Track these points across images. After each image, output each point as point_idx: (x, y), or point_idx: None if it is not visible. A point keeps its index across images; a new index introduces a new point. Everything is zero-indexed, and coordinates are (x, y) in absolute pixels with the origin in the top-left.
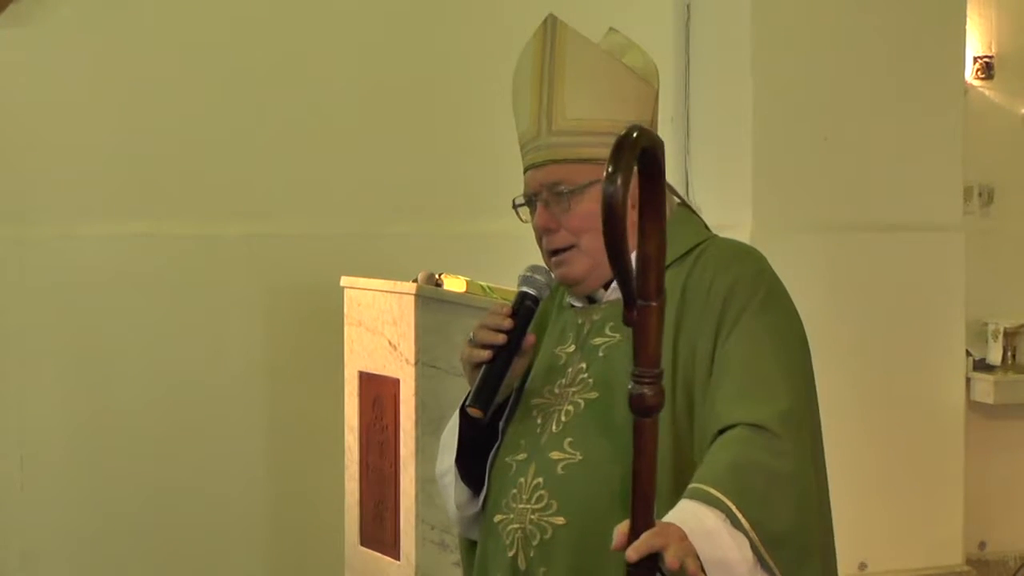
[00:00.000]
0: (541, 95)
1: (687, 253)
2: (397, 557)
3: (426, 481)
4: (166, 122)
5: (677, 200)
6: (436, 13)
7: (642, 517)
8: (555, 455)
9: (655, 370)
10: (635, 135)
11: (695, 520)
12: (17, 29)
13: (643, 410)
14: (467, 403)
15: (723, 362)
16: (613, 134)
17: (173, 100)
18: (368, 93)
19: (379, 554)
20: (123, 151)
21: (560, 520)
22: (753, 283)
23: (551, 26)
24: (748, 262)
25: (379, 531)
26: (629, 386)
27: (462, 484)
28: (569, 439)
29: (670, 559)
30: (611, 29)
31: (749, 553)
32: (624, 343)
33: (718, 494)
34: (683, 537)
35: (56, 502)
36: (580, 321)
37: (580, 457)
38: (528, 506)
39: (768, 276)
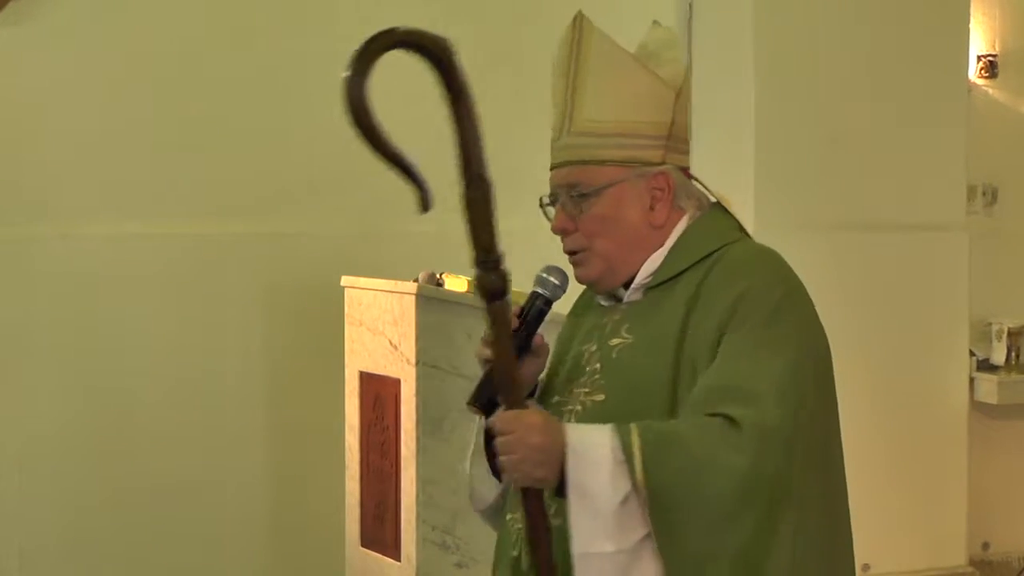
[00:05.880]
0: (566, 95)
1: (705, 257)
2: (398, 558)
3: (427, 482)
4: (167, 121)
5: (712, 199)
6: (437, 13)
7: (511, 402)
8: None
9: (492, 255)
10: (382, 33)
11: (588, 442)
12: (17, 28)
13: (488, 295)
14: (466, 401)
15: (723, 354)
16: (630, 136)
17: (174, 99)
18: (369, 92)
19: (379, 554)
20: (124, 150)
21: (558, 522)
22: (762, 296)
23: (579, 25)
24: (761, 273)
25: (380, 531)
26: (476, 273)
27: (491, 476)
28: None
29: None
30: (655, 22)
31: (618, 499)
32: (637, 344)
33: (635, 435)
34: (542, 431)
35: (55, 501)
36: (604, 320)
37: None
38: None
39: (781, 290)
